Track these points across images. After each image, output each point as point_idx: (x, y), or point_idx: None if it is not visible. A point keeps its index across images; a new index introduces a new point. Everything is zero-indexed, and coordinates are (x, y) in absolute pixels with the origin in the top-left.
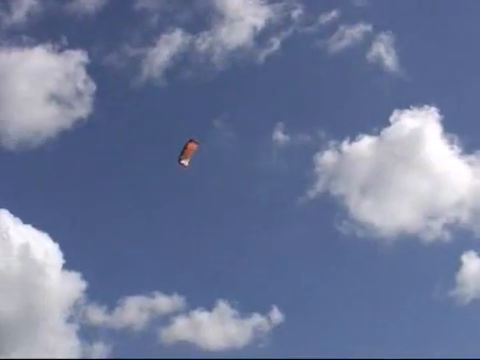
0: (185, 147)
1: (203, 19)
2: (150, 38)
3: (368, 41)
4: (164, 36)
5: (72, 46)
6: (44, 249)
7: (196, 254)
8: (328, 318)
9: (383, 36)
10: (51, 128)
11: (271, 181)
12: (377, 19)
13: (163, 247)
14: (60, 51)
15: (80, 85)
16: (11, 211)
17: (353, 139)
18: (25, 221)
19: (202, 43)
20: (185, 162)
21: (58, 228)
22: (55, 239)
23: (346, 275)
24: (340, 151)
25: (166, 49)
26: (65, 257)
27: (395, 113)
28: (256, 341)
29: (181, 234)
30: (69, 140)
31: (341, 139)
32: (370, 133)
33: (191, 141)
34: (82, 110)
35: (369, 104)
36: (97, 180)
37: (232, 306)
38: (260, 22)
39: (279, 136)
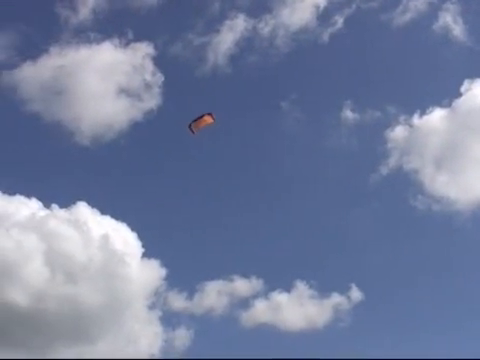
0: (201, 117)
1: (264, 2)
2: (213, 25)
3: (434, 12)
4: (227, 22)
5: (138, 39)
6: (123, 239)
7: (272, 236)
8: (407, 294)
9: (449, 5)
10: (122, 121)
11: (342, 160)
12: None
13: (239, 230)
14: (127, 45)
15: (148, 77)
16: (89, 203)
17: (424, 112)
18: (103, 212)
19: (265, 27)
20: (193, 130)
21: (135, 218)
22: (133, 228)
23: (423, 250)
24: (411, 125)
25: (230, 35)
26: (144, 246)
27: (466, 83)
28: (336, 320)
29: (256, 217)
30: (141, 131)
31: (411, 113)
32: (441, 105)
33: (209, 114)
34: (152, 101)
35: (438, 76)
36: (171, 169)
37: (310, 286)
38: (322, 1)
39: (348, 114)
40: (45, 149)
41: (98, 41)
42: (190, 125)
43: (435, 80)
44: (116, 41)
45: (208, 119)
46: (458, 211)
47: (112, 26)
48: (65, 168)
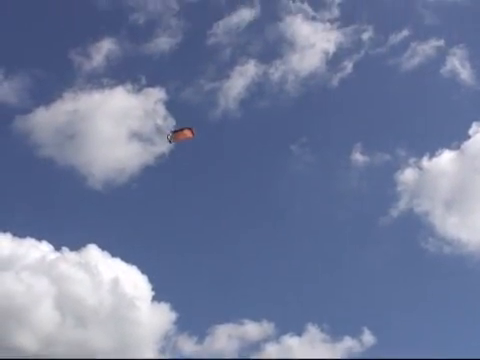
0: (181, 129)
1: (275, 48)
2: (224, 71)
3: (441, 56)
4: (238, 68)
5: (150, 84)
6: (133, 282)
7: (283, 279)
8: (420, 337)
9: (456, 50)
10: (134, 165)
11: (352, 202)
12: (449, 34)
13: (250, 274)
14: (139, 90)
15: (160, 121)
16: (99, 246)
17: (433, 155)
18: (113, 255)
19: (275, 72)
20: (170, 139)
21: (146, 261)
22: (143, 271)
23: (436, 293)
24: (421, 168)
25: (240, 80)
26: (154, 289)
27: (474, 126)
28: None
29: (267, 260)
30: (152, 175)
31: (421, 155)
32: (450, 147)
33: (189, 129)
34: (163, 146)
35: (447, 118)
36: (181, 212)
37: (322, 330)
38: (331, 47)
39: (358, 157)
40: (57, 193)
41: (111, 86)
42: (168, 135)
43: (444, 123)
44: (129, 86)
45: (188, 133)
46: (470, 253)
47: (125, 72)
48: (76, 211)
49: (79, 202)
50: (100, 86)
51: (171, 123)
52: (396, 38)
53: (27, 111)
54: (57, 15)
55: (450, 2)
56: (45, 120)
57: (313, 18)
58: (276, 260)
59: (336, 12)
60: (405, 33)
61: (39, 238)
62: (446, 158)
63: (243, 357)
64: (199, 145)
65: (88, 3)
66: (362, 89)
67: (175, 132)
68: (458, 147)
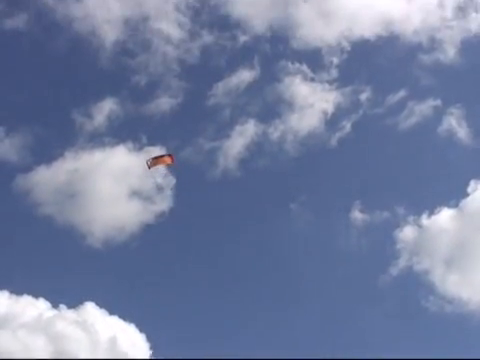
0: (161, 156)
1: (274, 108)
2: (224, 130)
3: (438, 115)
4: (237, 127)
5: (151, 143)
6: (131, 340)
7: (282, 337)
8: None
9: (453, 110)
10: (134, 223)
11: (352, 260)
12: (445, 94)
13: (249, 334)
14: (140, 149)
15: (160, 180)
16: (97, 303)
17: (432, 213)
18: (111, 312)
19: (274, 131)
20: (149, 165)
21: (144, 319)
22: (141, 330)
23: (436, 351)
24: (420, 226)
25: (240, 140)
26: (152, 347)
27: (472, 183)
28: None
29: (266, 318)
30: (152, 234)
31: (420, 213)
32: (449, 205)
33: (169, 156)
34: (163, 204)
35: (445, 176)
36: (181, 271)
37: None
38: (330, 107)
39: (357, 215)
40: (56, 251)
41: (112, 145)
42: (148, 161)
43: (442, 181)
44: (130, 145)
45: (167, 160)
46: (470, 312)
47: (126, 131)
48: (75, 269)
49: (78, 260)
50: (101, 145)
51: (171, 181)
52: (393, 98)
53: (28, 169)
54: (60, 75)
55: (446, 64)
56: (46, 178)
57: (311, 79)
58: (276, 318)
59: (334, 73)
60: (402, 93)
61: (36, 295)
62: (445, 216)
63: None
64: (199, 204)
65: (91, 64)
66: (361, 148)
67: (154, 158)
68: (457, 205)
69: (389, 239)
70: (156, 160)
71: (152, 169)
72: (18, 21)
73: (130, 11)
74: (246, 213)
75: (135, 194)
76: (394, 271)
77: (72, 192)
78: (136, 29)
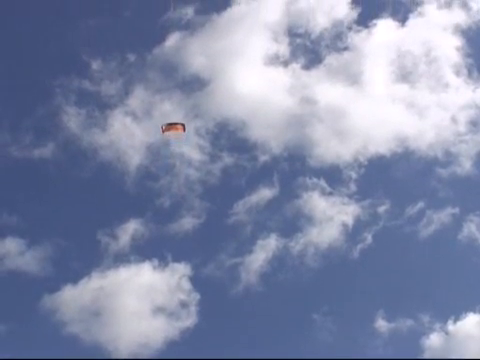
0: (174, 124)
1: (294, 223)
2: (245, 246)
3: (458, 223)
4: (259, 242)
5: (176, 260)
6: None
7: None
8: None
9: (473, 217)
10: (159, 340)
11: None
12: (463, 203)
13: None
14: (165, 266)
15: (185, 296)
16: None
17: (458, 318)
18: None
19: (296, 245)
20: (163, 129)
21: None
22: None
23: None
24: (447, 332)
25: (262, 254)
26: None
27: None
28: None
29: None
30: (177, 350)
31: (445, 320)
32: (474, 311)
33: (182, 125)
34: (188, 320)
35: (469, 281)
36: None
37: None
38: (349, 219)
39: (381, 323)
40: None
41: (137, 262)
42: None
43: (466, 286)
44: (155, 262)
45: (179, 127)
46: None
47: (151, 249)
48: None
49: None
50: (127, 262)
51: (196, 298)
52: (412, 210)
53: (55, 289)
54: (85, 199)
55: (463, 176)
56: (72, 298)
57: (330, 193)
58: None
59: (352, 187)
60: (421, 205)
61: None
62: (471, 321)
63: None
64: (223, 319)
65: (116, 188)
66: (382, 258)
67: (168, 124)
68: None
69: (416, 347)
70: (169, 126)
71: (165, 133)
72: (45, 151)
73: (152, 137)
74: (269, 326)
75: (160, 310)
76: None
77: (98, 310)
78: (158, 154)
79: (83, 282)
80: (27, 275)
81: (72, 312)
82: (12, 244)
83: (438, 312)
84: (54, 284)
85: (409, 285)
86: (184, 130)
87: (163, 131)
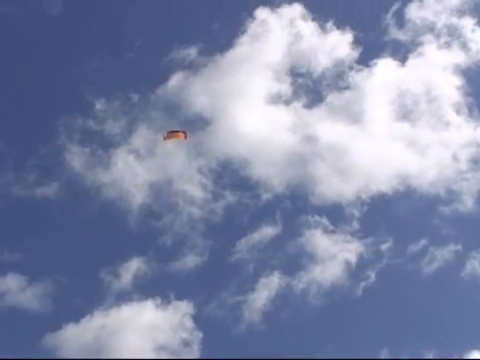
0: (176, 131)
1: (297, 261)
2: (248, 284)
3: (460, 259)
4: (262, 280)
5: (178, 298)
6: None
7: None
8: None
9: (476, 254)
10: None
11: None
12: (466, 240)
13: None
14: (168, 304)
15: (187, 334)
16: None
17: (462, 356)
18: None
19: (298, 283)
20: (165, 136)
21: None
22: None
23: None
24: None
25: (264, 292)
26: None
27: None
28: None
29: None
30: None
31: (450, 356)
32: (478, 348)
33: (184, 132)
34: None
35: (472, 318)
36: None
37: None
38: (352, 257)
39: None
40: None
41: (140, 301)
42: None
43: (469, 324)
44: (158, 301)
45: (181, 135)
46: None
47: (154, 288)
48: None
49: None
50: (129, 301)
51: (198, 336)
52: (415, 247)
53: (57, 327)
54: (88, 237)
55: (465, 213)
56: (74, 336)
57: (332, 231)
58: None
59: (355, 225)
60: (423, 242)
61: None
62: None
63: None
64: (226, 358)
65: (119, 226)
66: (386, 296)
67: (170, 132)
68: None
69: None
70: (171, 134)
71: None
72: (49, 189)
73: (155, 175)
74: None
75: (162, 349)
76: None
77: (100, 348)
78: (161, 192)
79: (85, 320)
80: (28, 312)
81: (74, 350)
82: (13, 281)
83: (442, 350)
84: (56, 322)
85: (413, 323)
86: (186, 137)
87: (165, 139)
